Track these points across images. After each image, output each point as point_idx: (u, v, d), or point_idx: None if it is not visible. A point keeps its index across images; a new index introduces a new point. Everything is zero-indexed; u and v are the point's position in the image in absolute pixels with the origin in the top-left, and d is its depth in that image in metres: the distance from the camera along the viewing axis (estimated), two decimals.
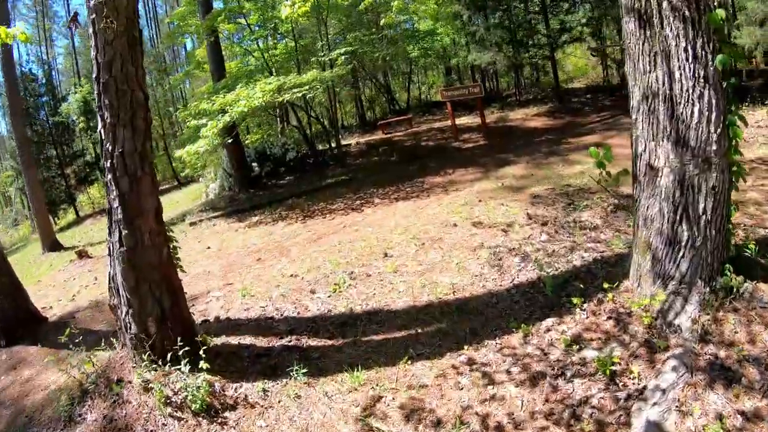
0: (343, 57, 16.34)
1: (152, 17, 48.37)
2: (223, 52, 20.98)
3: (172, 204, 22.90)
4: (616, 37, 24.16)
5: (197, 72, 24.70)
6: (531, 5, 24.80)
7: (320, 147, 22.39)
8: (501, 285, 6.98)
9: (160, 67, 38.40)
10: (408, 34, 24.83)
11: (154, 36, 46.72)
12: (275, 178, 20.05)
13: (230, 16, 18.93)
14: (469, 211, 10.53)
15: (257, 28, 19.78)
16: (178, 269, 6.09)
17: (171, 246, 5.95)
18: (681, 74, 4.70)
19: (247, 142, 25.05)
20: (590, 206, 9.77)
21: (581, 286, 6.23)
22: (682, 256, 5.02)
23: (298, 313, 7.11)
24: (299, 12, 9.23)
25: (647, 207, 5.32)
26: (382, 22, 13.80)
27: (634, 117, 5.31)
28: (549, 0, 23.81)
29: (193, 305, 7.82)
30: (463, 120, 23.65)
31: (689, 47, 4.63)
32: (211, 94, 16.83)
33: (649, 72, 4.92)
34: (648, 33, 4.85)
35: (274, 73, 17.65)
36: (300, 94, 13.78)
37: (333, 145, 21.22)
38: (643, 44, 4.91)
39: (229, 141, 16.79)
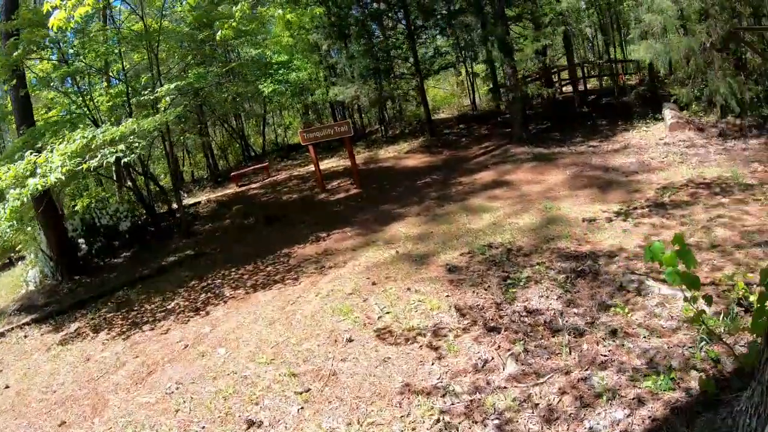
0: (169, 97, 12.10)
1: None
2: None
3: None
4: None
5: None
6: (395, 33, 21.84)
7: (166, 208, 17.92)
8: None
9: None
10: (258, 65, 20.58)
11: None
12: (109, 256, 15.39)
13: (36, 49, 14.09)
14: (364, 307, 6.97)
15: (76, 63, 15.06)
16: None
17: None
18: None
19: (77, 207, 20.01)
20: (536, 278, 6.91)
21: None
22: None
23: None
24: (78, 13, 5.60)
25: None
26: (218, 35, 10.17)
27: None
28: (414, 27, 20.84)
29: None
30: (327, 164, 20.11)
31: None
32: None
33: None
34: None
35: (100, 124, 13.23)
36: (112, 158, 9.53)
37: (177, 206, 16.94)
38: None
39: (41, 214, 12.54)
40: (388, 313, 6.65)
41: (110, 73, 16.08)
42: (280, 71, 21.46)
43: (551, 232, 8.97)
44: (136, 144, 9.54)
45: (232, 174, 21.64)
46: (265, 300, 8.44)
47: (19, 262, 16.88)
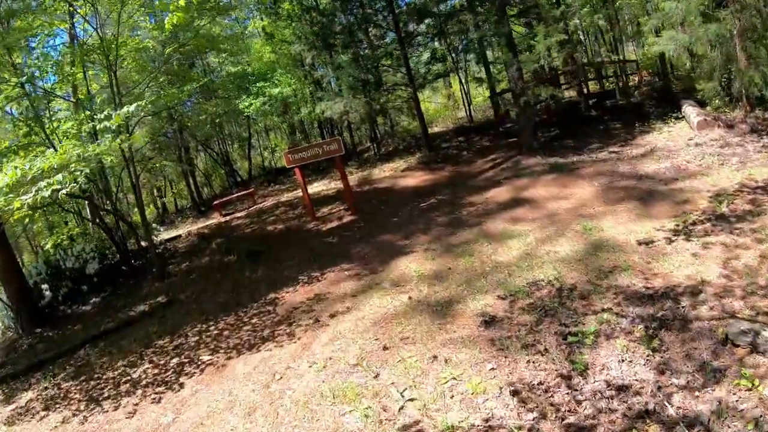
0: (133, 120, 10.01)
1: None
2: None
3: None
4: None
5: None
6: (383, 44, 19.82)
7: (138, 246, 15.87)
8: None
9: None
10: (236, 78, 18.00)
11: None
12: (77, 303, 13.33)
13: None
14: (377, 389, 5.14)
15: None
16: None
17: None
18: None
19: (47, 247, 17.90)
20: (607, 332, 5.31)
21: None
22: None
23: None
24: None
25: None
26: (167, 22, 8.41)
27: None
28: (404, 33, 18.84)
29: None
30: (317, 187, 18.10)
31: None
32: None
33: None
34: None
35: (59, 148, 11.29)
36: (47, 192, 7.52)
37: (148, 245, 15.05)
38: None
39: None
40: (411, 400, 4.70)
41: (78, 96, 14.10)
42: (259, 84, 19.27)
43: (604, 262, 7.03)
44: (78, 172, 7.53)
45: (215, 203, 19.62)
46: (246, 372, 6.45)
47: None
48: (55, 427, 6.94)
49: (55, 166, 7.88)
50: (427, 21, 19.58)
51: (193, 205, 22.91)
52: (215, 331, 8.41)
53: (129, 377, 7.85)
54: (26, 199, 7.69)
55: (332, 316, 7.43)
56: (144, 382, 7.39)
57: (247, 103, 18.87)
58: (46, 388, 8.59)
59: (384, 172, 17.50)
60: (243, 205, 19.65)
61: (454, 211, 11.18)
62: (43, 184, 7.63)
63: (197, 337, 8.44)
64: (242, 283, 10.42)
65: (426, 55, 21.32)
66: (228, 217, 17.95)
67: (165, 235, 18.38)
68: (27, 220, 15.05)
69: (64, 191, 7.71)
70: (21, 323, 12.57)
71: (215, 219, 18.87)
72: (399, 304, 7.13)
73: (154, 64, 13.03)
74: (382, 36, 19.84)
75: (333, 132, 23.59)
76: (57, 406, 7.58)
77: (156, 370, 7.73)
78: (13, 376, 9.74)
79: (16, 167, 7.84)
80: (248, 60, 21.38)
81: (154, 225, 16.64)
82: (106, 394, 7.49)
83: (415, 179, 15.46)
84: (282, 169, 23.60)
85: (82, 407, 7.26)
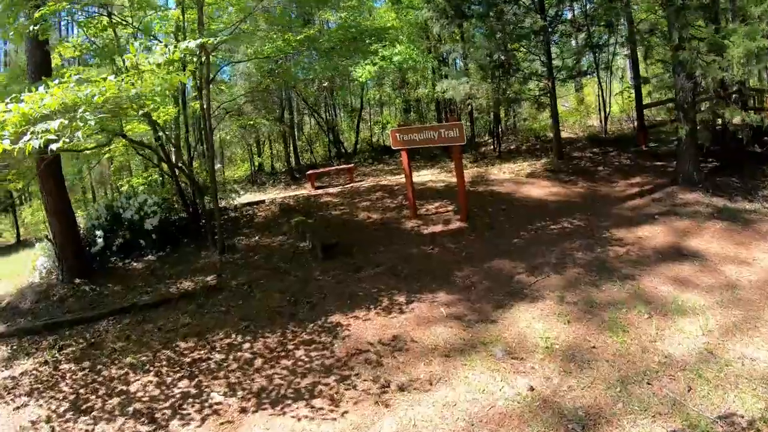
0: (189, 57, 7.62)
1: None
2: None
3: None
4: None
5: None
6: (523, 24, 16.49)
7: (221, 205, 13.88)
8: None
9: None
10: (349, 34, 14.35)
11: None
12: (129, 257, 11.52)
13: None
14: None
15: None
16: None
17: None
18: None
19: (122, 188, 16.35)
20: None
21: None
22: None
23: None
24: None
25: None
26: None
27: None
28: (548, 16, 15.56)
29: None
30: (424, 177, 15.50)
31: None
32: None
33: None
34: None
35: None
36: (38, 142, 5.25)
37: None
38: None
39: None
40: None
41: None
42: (374, 47, 15.11)
43: None
44: (83, 121, 5.27)
45: (309, 172, 17.45)
46: None
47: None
48: (23, 429, 5.31)
49: (55, 110, 5.66)
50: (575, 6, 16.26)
51: (288, 170, 20.88)
52: (247, 353, 6.11)
53: (124, 390, 5.79)
54: (16, 146, 5.52)
55: (406, 388, 4.90)
56: (131, 408, 5.28)
57: (360, 71, 16.32)
58: (45, 363, 7.04)
59: (503, 174, 14.61)
60: (339, 180, 17.41)
61: (594, 246, 8.25)
62: (39, 128, 5.41)
63: (223, 355, 6.17)
64: (307, 285, 8.07)
65: (571, 45, 17.96)
66: (319, 191, 15.73)
67: (248, 198, 16.44)
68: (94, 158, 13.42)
69: (55, 145, 5.40)
70: (62, 268, 10.89)
71: (306, 190, 16.73)
72: (513, 397, 4.51)
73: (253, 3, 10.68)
74: (522, 16, 16.41)
75: (450, 115, 20.72)
76: (41, 394, 6.08)
77: (155, 393, 5.58)
78: (26, 331, 8.42)
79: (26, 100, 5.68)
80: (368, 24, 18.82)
81: (235, 186, 14.59)
82: (90, 405, 5.56)
83: (541, 190, 12.52)
84: (388, 148, 21.07)
85: (61, 410, 5.59)
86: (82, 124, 5.14)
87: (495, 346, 5.39)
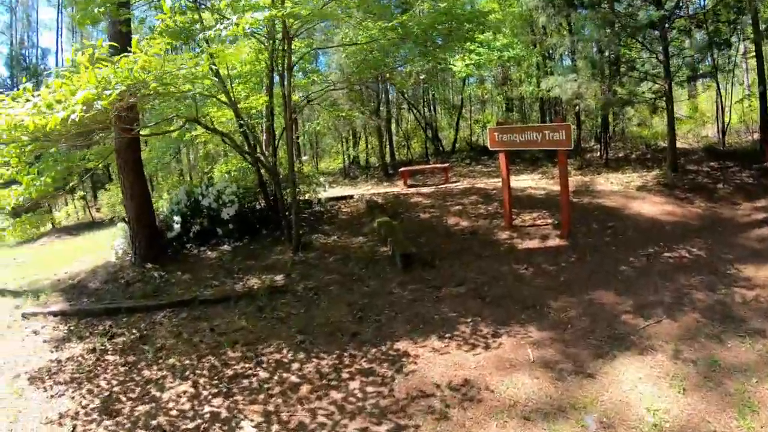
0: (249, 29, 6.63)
1: None
2: None
3: (67, 254, 14.34)
4: None
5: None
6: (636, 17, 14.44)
7: (302, 198, 13.18)
8: None
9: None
10: (445, 17, 11.94)
11: None
12: (204, 245, 11.06)
13: None
14: None
15: None
16: None
17: None
18: None
19: (213, 174, 16.07)
20: None
21: None
22: None
23: None
24: None
25: None
26: None
27: None
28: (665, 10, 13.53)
29: None
30: (523, 182, 14.18)
31: None
32: None
33: None
34: None
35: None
36: (76, 113, 4.58)
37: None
38: None
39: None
40: None
41: None
42: (472, 35, 11.96)
43: None
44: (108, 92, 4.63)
45: (402, 169, 16.56)
46: None
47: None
48: (49, 421, 5.00)
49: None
50: None
51: (382, 165, 20.06)
52: (294, 376, 5.29)
53: (156, 397, 5.30)
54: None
55: None
56: (155, 422, 4.80)
57: (459, 64, 15.12)
58: (93, 350, 6.80)
59: (611, 185, 13.04)
60: (432, 180, 16.43)
61: (717, 285, 6.76)
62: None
63: (267, 374, 5.41)
64: (378, 298, 7.13)
65: (686, 44, 15.75)
66: (411, 190, 14.81)
67: (337, 191, 15.78)
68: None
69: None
70: (135, 252, 10.62)
71: (398, 187, 15.88)
72: None
73: None
74: (637, 8, 14.41)
75: (553, 117, 19.03)
76: (79, 385, 5.76)
77: (185, 407, 5.06)
78: (86, 313, 8.40)
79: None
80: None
81: (321, 179, 13.85)
82: (118, 408, 5.17)
83: (653, 207, 10.94)
84: (487, 149, 19.79)
85: (89, 408, 5.21)
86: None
87: (588, 413, 4.19)
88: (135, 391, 5.40)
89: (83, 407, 5.24)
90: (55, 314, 8.84)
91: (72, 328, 7.81)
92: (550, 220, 9.96)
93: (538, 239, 9.04)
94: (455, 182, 15.55)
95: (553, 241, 8.88)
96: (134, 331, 7.28)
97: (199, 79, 6.77)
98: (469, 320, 6.18)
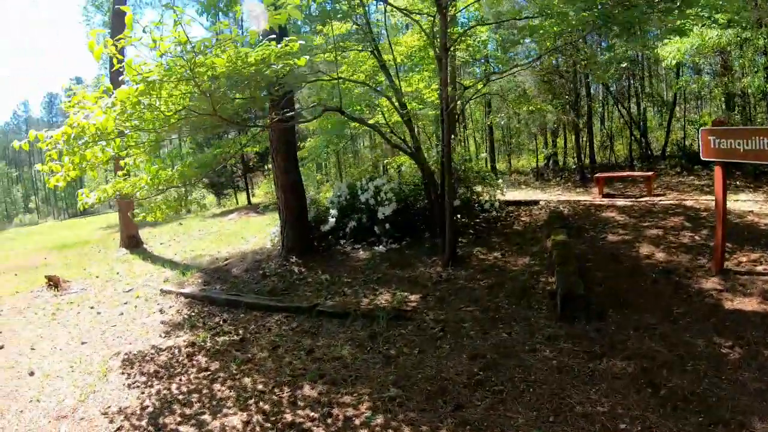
0: None
1: None
2: None
3: (242, 232, 14.48)
4: None
5: None
6: None
7: (480, 199, 11.63)
8: None
9: None
10: None
11: None
12: (359, 243, 10.30)
13: None
14: None
15: None
16: None
17: None
18: None
19: (388, 168, 15.25)
20: None
21: None
22: None
23: None
24: None
25: None
26: None
27: None
28: None
29: None
30: (741, 204, 10.72)
31: None
32: None
33: None
34: None
35: None
36: None
37: (490, 201, 11.16)
38: None
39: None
40: None
41: None
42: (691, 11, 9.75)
43: None
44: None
45: (597, 175, 14.18)
46: None
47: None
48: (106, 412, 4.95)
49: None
50: None
51: (579, 168, 17.61)
52: None
53: (202, 423, 4.67)
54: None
55: None
56: None
57: (669, 48, 12.12)
58: (191, 345, 6.61)
59: None
60: (632, 190, 13.89)
61: None
62: None
63: None
64: (510, 356, 5.23)
65: None
66: (605, 200, 12.51)
67: (524, 195, 14.05)
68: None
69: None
70: (283, 243, 10.19)
71: (591, 196, 13.69)
72: None
73: None
74: None
75: None
76: (159, 381, 5.65)
77: None
78: (211, 300, 8.42)
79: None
80: None
81: (498, 182, 12.23)
82: (164, 422, 4.72)
83: None
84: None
85: (148, 410, 4.99)
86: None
87: None
88: (192, 407, 4.89)
89: (142, 408, 4.98)
90: (186, 296, 8.78)
91: (192, 314, 7.81)
92: None
93: (757, 297, 6.25)
94: (659, 195, 12.79)
95: None
96: (240, 332, 6.80)
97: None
98: (624, 425, 3.99)
